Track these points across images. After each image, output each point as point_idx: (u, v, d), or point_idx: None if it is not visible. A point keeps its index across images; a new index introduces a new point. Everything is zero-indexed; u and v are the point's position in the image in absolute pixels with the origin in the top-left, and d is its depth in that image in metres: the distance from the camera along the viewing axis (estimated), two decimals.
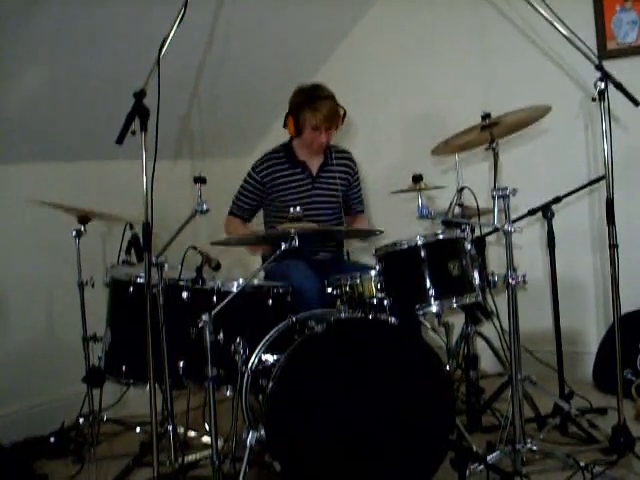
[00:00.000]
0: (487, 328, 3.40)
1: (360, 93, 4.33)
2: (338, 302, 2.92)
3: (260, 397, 2.66)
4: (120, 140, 2.30)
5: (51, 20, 3.07)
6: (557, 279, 3.22)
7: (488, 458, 2.71)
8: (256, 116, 4.54)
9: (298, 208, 2.74)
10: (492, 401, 3.32)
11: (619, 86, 2.68)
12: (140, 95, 2.37)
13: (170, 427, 2.91)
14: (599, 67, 2.70)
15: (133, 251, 3.19)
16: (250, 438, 2.51)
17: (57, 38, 3.16)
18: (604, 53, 3.76)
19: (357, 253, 3.74)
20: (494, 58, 4.13)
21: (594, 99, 2.72)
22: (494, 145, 3.02)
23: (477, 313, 3.29)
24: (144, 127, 2.35)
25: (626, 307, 3.29)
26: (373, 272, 2.88)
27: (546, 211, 3.19)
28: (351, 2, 4.39)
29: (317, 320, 2.71)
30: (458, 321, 3.45)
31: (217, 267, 2.82)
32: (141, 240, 2.65)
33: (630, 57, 3.76)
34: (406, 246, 2.83)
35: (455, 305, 2.86)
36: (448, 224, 3.14)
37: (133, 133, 2.32)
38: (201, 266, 2.84)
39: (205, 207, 2.64)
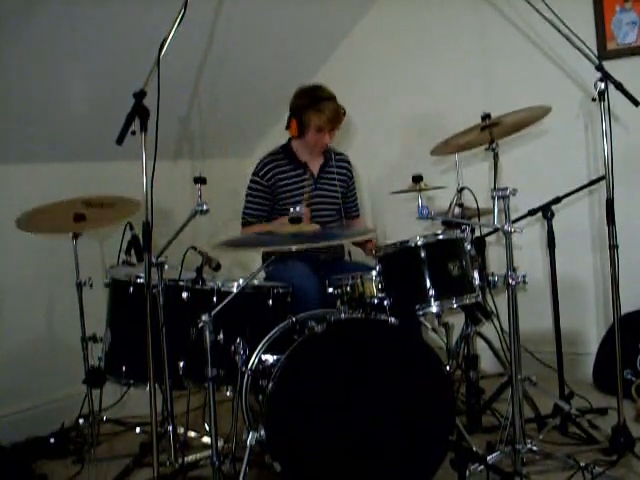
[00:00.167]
0: (487, 328, 3.40)
1: (360, 93, 4.33)
2: (338, 302, 2.92)
3: (260, 397, 2.66)
4: (120, 140, 2.30)
5: (51, 20, 3.06)
6: (557, 279, 3.22)
7: (488, 458, 2.71)
8: (256, 116, 4.54)
9: (298, 208, 2.74)
10: (492, 401, 3.32)
11: (619, 86, 2.69)
12: (140, 95, 2.37)
13: (170, 427, 2.91)
14: (599, 67, 2.70)
15: (133, 251, 3.20)
16: (250, 438, 2.51)
17: (57, 38, 3.16)
18: (604, 53, 3.76)
19: (358, 253, 3.73)
20: (494, 58, 4.13)
21: (594, 99, 2.72)
22: (494, 145, 3.02)
23: (477, 313, 3.28)
24: (144, 127, 2.35)
25: (626, 307, 3.30)
26: (373, 272, 2.88)
27: (546, 211, 3.19)
28: (351, 2, 4.39)
29: (317, 320, 2.71)
30: (458, 321, 3.45)
31: (217, 267, 2.82)
32: (141, 240, 2.66)
33: (630, 57, 3.76)
34: (406, 246, 2.83)
35: (455, 305, 2.86)
36: (448, 224, 3.15)
37: (133, 133, 2.31)
38: (201, 266, 2.84)
39: (205, 207, 2.64)
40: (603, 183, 2.80)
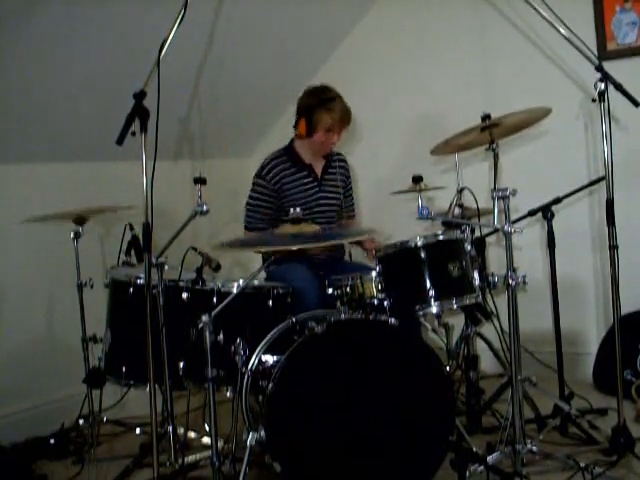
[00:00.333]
0: (487, 329, 3.40)
1: (360, 93, 4.32)
2: (338, 303, 2.92)
3: (260, 398, 2.66)
4: (120, 141, 2.30)
5: (51, 20, 3.07)
6: (557, 280, 3.22)
7: (488, 459, 2.71)
8: (256, 116, 4.54)
9: (298, 209, 2.74)
10: (492, 402, 3.32)
11: (619, 87, 2.68)
12: (140, 96, 2.37)
13: (170, 428, 2.91)
14: (599, 68, 2.70)
15: (133, 252, 3.20)
16: (250, 439, 2.51)
17: (57, 38, 3.16)
18: (604, 54, 3.76)
19: (358, 254, 3.74)
20: (494, 59, 4.13)
21: (594, 100, 2.72)
22: (494, 146, 3.02)
23: (477, 314, 3.29)
24: (144, 128, 2.35)
25: (626, 308, 3.30)
26: (373, 273, 2.88)
27: (546, 212, 3.19)
28: (351, 3, 4.39)
29: (317, 321, 2.71)
30: (458, 322, 3.45)
31: (217, 268, 2.82)
32: (141, 241, 2.66)
33: (630, 58, 3.76)
34: (406, 247, 2.83)
35: (455, 306, 2.86)
36: (448, 225, 3.14)
37: (133, 134, 2.32)
38: (201, 267, 2.85)
39: (205, 208, 2.63)
40: (603, 183, 2.80)
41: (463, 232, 2.92)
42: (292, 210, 2.73)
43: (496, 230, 3.17)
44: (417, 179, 2.91)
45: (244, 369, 2.73)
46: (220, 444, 2.77)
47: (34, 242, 3.55)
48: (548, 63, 3.91)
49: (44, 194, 3.27)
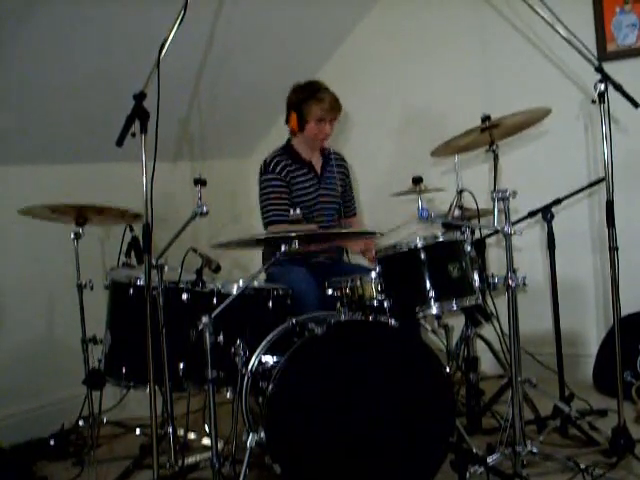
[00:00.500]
0: (487, 330, 3.39)
1: (360, 94, 4.33)
2: (338, 304, 2.92)
3: (260, 399, 2.65)
4: (120, 142, 2.30)
5: (51, 20, 3.07)
6: (557, 281, 3.21)
7: (488, 460, 2.71)
8: (256, 117, 4.54)
9: (298, 210, 2.75)
10: (492, 403, 3.32)
11: (619, 88, 2.68)
12: (140, 97, 2.37)
13: (170, 429, 2.91)
14: (599, 69, 2.70)
15: (133, 253, 3.20)
16: (250, 440, 2.51)
17: (57, 38, 3.16)
18: (604, 55, 3.76)
19: (358, 255, 3.73)
20: (494, 60, 4.13)
21: (594, 101, 2.71)
22: (494, 147, 3.02)
23: (477, 315, 3.28)
24: (144, 129, 2.35)
25: (626, 309, 3.30)
26: (373, 274, 2.87)
27: (546, 213, 3.19)
28: (351, 3, 4.39)
29: (317, 322, 2.71)
30: (458, 323, 3.45)
31: (217, 269, 2.82)
32: (141, 242, 2.66)
33: (630, 59, 3.76)
34: (406, 248, 2.83)
35: (455, 307, 2.85)
36: (448, 226, 3.14)
37: (133, 135, 2.32)
38: (201, 268, 2.85)
39: (205, 209, 2.63)
40: (603, 185, 2.80)
41: (463, 233, 2.92)
42: (292, 211, 2.73)
43: (496, 231, 3.17)
44: (417, 180, 2.91)
45: (244, 370, 2.73)
46: (220, 445, 2.76)
47: (34, 243, 3.55)
48: (548, 64, 3.91)
49: (44, 195, 3.26)
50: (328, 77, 3.76)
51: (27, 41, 3.09)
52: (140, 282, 2.96)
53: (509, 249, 2.75)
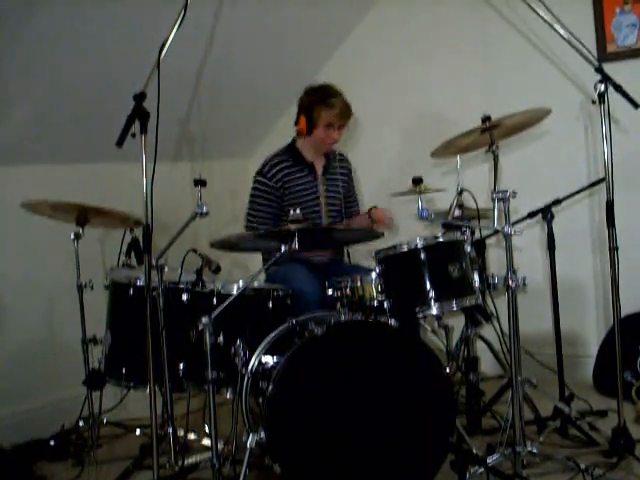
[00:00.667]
0: (487, 330, 3.39)
1: (360, 94, 4.30)
2: (338, 305, 2.92)
3: (260, 399, 2.66)
4: (120, 143, 2.30)
5: (51, 20, 3.07)
6: (557, 281, 3.21)
7: (488, 460, 2.71)
8: (256, 117, 4.54)
9: (298, 210, 2.75)
10: (492, 403, 3.32)
11: (619, 88, 2.68)
12: (140, 98, 2.37)
13: (170, 430, 2.91)
14: (599, 69, 2.70)
15: (133, 254, 3.20)
16: (250, 440, 2.52)
17: (57, 39, 3.16)
18: (604, 55, 3.76)
19: (358, 255, 3.73)
20: (494, 60, 4.13)
21: (594, 101, 2.72)
22: (494, 147, 3.02)
23: (477, 315, 3.29)
24: (144, 129, 2.35)
25: (626, 309, 3.30)
26: (373, 274, 2.87)
27: (546, 213, 3.19)
28: (351, 3, 4.39)
29: (317, 323, 2.71)
30: (458, 323, 3.45)
31: (217, 270, 2.82)
32: (141, 243, 2.66)
33: (630, 59, 3.76)
34: (406, 248, 2.83)
35: (455, 307, 2.86)
36: (448, 226, 3.14)
37: (133, 136, 2.31)
38: (201, 269, 2.85)
39: (205, 210, 2.64)
40: (603, 185, 2.80)
41: (463, 233, 2.92)
42: (292, 211, 2.73)
43: (496, 232, 3.17)
44: (417, 181, 2.91)
45: (244, 371, 2.74)
46: (220, 446, 2.77)
47: (34, 243, 3.54)
48: (548, 64, 3.91)
49: (44, 195, 3.25)
50: (328, 77, 3.75)
51: (27, 41, 3.09)
52: (140, 282, 2.96)
53: (509, 249, 2.75)
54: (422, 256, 2.81)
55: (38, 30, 3.07)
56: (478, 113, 2.98)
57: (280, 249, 2.66)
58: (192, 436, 3.25)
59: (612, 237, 2.77)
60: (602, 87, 2.68)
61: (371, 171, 4.38)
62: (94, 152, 3.69)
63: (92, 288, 3.29)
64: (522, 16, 3.81)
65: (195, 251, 2.82)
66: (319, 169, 3.57)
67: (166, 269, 2.74)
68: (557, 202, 3.25)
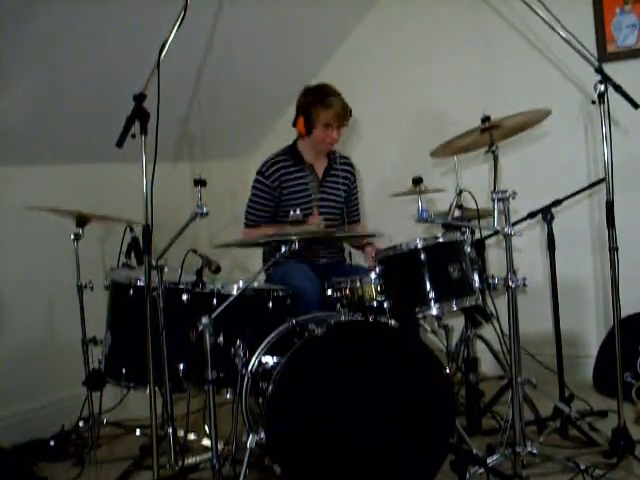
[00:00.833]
0: (487, 331, 3.39)
1: (360, 95, 4.31)
2: (338, 305, 2.92)
3: (260, 400, 2.66)
4: (120, 143, 2.30)
5: (51, 20, 3.07)
6: (557, 282, 3.21)
7: (488, 461, 2.71)
8: (256, 117, 4.54)
9: (298, 211, 2.75)
10: (492, 404, 3.32)
11: (619, 89, 2.68)
12: (140, 98, 2.37)
13: (170, 430, 2.90)
14: (599, 70, 2.70)
15: (133, 254, 3.19)
16: (250, 441, 2.52)
17: (57, 39, 3.16)
18: (604, 56, 3.76)
19: (358, 256, 3.73)
20: (494, 60, 4.13)
21: (594, 102, 2.72)
22: (494, 148, 3.02)
23: (477, 316, 3.28)
24: (144, 130, 2.35)
25: (626, 310, 3.30)
26: (373, 275, 2.87)
27: (546, 214, 3.19)
28: (351, 3, 4.39)
29: (317, 323, 2.71)
30: (458, 324, 3.44)
31: (217, 270, 2.82)
32: (141, 243, 2.65)
33: (630, 60, 3.76)
34: (406, 249, 2.83)
35: (455, 308, 2.86)
36: (448, 227, 3.14)
37: (133, 136, 2.31)
38: (201, 269, 2.84)
39: (205, 210, 2.63)
40: (603, 185, 2.80)
41: (463, 234, 2.92)
42: (292, 212, 2.73)
43: (496, 232, 3.17)
44: (417, 181, 2.91)
45: (244, 371, 2.73)
46: (220, 446, 2.77)
47: (34, 244, 3.54)
48: (548, 65, 3.91)
49: (44, 196, 3.26)
50: (328, 77, 3.75)
51: (27, 41, 3.09)
52: (140, 283, 2.96)
53: (509, 250, 2.75)
54: (422, 256, 2.81)
55: (38, 30, 3.07)
56: (478, 113, 2.97)
57: (280, 249, 2.66)
58: (192, 436, 3.25)
59: (612, 237, 2.77)
60: (602, 87, 2.68)
61: (371, 171, 4.37)
62: (94, 152, 3.69)
63: (92, 288, 3.29)
64: (522, 16, 3.82)
65: (195, 251, 2.82)
66: (320, 170, 3.56)
67: (166, 269, 2.74)
68: (557, 202, 3.25)
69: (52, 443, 3.32)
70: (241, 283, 2.84)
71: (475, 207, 3.03)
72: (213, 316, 2.58)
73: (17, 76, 3.21)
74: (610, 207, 2.75)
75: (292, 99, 3.59)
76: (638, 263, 3.51)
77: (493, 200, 2.74)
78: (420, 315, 2.82)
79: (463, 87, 4.22)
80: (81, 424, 3.34)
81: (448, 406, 2.66)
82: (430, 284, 2.80)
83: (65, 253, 3.28)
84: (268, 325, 2.82)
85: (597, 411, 3.33)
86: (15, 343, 3.50)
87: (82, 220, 3.25)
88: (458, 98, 4.20)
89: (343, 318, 2.75)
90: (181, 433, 3.13)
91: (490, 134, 2.99)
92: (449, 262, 2.82)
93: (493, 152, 3.02)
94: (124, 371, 2.99)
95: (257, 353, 2.74)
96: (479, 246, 3.21)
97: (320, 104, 3.38)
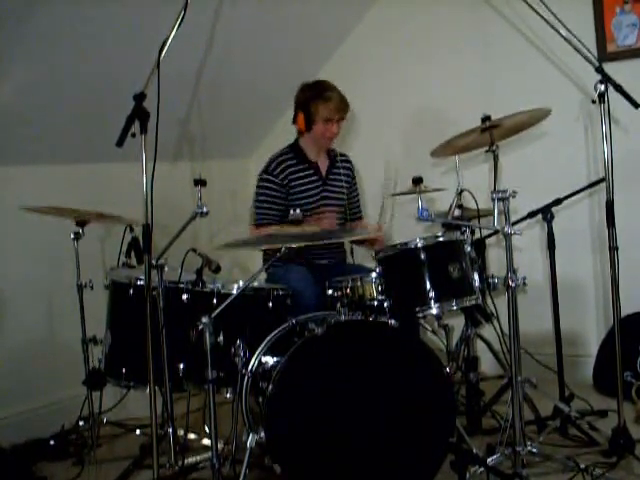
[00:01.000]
0: (487, 330, 3.40)
1: (360, 94, 4.31)
2: (338, 304, 2.92)
3: (260, 399, 2.66)
4: (120, 143, 2.30)
5: (51, 20, 3.07)
6: (557, 281, 3.21)
7: (488, 460, 2.71)
8: (256, 117, 4.53)
9: (298, 210, 2.75)
10: (492, 403, 3.32)
11: (619, 88, 2.68)
12: (140, 98, 2.37)
13: (170, 430, 2.90)
14: (599, 69, 2.70)
15: (133, 253, 3.19)
16: (250, 440, 2.52)
17: (57, 39, 3.16)
18: (604, 55, 3.76)
19: (359, 255, 3.73)
20: (494, 60, 4.13)
21: (594, 101, 2.72)
22: (494, 147, 3.02)
23: (477, 315, 3.28)
24: (144, 129, 2.35)
25: (626, 309, 3.30)
26: (373, 274, 2.88)
27: (546, 213, 3.19)
28: (351, 3, 4.39)
29: (317, 322, 2.71)
30: (458, 323, 3.44)
31: (217, 269, 2.82)
32: (141, 242, 2.66)
33: (630, 59, 3.76)
34: (406, 248, 2.83)
35: (455, 307, 2.86)
36: (448, 226, 3.14)
37: (133, 136, 2.31)
38: (201, 268, 2.84)
39: (205, 210, 2.64)
40: (603, 185, 2.80)
41: (463, 233, 2.92)
42: (292, 211, 2.73)
43: (496, 231, 3.17)
44: (417, 180, 2.91)
45: (244, 370, 2.73)
46: (220, 446, 2.77)
47: (34, 243, 3.54)
48: (548, 64, 3.91)
49: (44, 196, 3.26)
50: (328, 77, 3.75)
51: (27, 41, 3.09)
52: (140, 282, 2.96)
53: (509, 249, 2.75)
54: (422, 256, 2.81)
55: (38, 30, 3.07)
56: (478, 113, 2.98)
57: (280, 249, 2.66)
58: (192, 436, 3.25)
59: (612, 237, 2.77)
60: (602, 87, 2.68)
61: (371, 171, 4.37)
62: (94, 152, 3.69)
63: (92, 288, 3.29)
64: (522, 16, 3.81)
65: (195, 251, 2.82)
66: (323, 168, 3.57)
67: (166, 269, 2.74)
68: (557, 202, 3.24)
69: (52, 443, 3.32)
70: (241, 283, 2.84)
71: (475, 206, 3.03)
72: (213, 315, 2.58)
73: (17, 76, 3.21)
74: (610, 206, 2.76)
75: (292, 99, 3.59)
76: (638, 263, 3.51)
77: (493, 200, 2.74)
78: (420, 315, 2.82)
79: (463, 87, 4.22)
80: (81, 424, 3.34)
81: (448, 406, 2.66)
82: (430, 283, 2.80)
83: (65, 252, 3.28)
84: (268, 324, 2.82)
85: (597, 410, 3.33)
86: (15, 343, 3.50)
87: (82, 220, 3.24)
88: (458, 98, 4.20)
89: (343, 318, 2.75)
90: (181, 433, 3.12)
91: (490, 134, 2.99)
92: (449, 261, 2.82)
93: (493, 152, 3.02)
94: (124, 371, 2.99)
95: (257, 353, 2.74)
96: (479, 245, 3.21)
97: (319, 99, 3.39)
